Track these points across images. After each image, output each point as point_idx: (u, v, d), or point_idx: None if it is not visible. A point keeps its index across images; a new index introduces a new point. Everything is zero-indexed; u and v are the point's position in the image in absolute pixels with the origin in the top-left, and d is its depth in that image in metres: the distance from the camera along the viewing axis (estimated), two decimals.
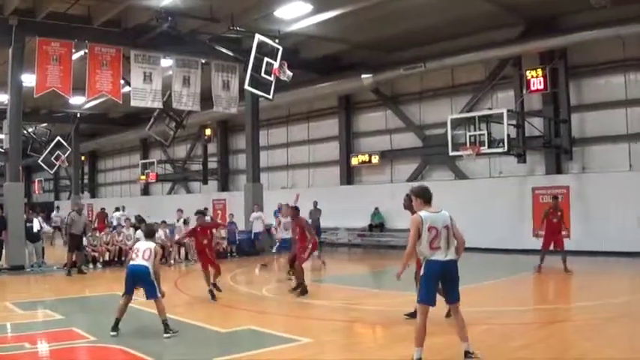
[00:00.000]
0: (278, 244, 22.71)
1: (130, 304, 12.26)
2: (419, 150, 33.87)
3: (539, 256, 21.26)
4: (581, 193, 26.23)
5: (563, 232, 20.90)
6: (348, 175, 37.24)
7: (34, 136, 47.79)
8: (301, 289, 17.32)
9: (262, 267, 23.23)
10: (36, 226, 24.97)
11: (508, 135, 25.29)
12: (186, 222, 28.21)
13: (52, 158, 46.33)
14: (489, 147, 25.60)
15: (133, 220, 31.08)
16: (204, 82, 28.58)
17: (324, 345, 11.45)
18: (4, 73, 26.57)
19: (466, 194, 28.65)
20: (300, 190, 32.38)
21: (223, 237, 28.94)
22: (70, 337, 11.92)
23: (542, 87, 26.62)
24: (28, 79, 25.70)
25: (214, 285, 16.51)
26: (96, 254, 25.65)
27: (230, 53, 27.91)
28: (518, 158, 27.60)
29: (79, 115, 45.53)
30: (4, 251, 24.12)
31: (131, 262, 12.32)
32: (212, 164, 46.58)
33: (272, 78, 23.81)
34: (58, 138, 45.50)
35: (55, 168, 48.77)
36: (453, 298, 9.62)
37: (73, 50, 25.20)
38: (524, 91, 27.39)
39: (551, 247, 20.70)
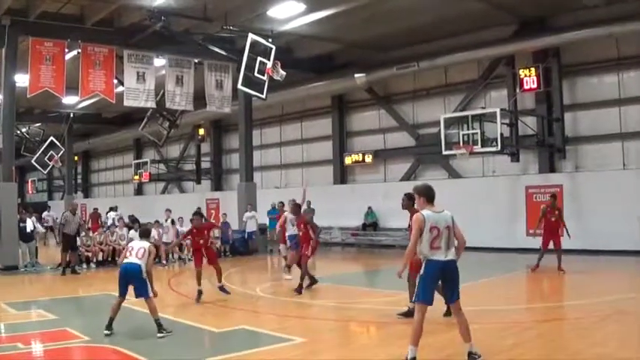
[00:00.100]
0: (288, 241, 22.76)
1: (123, 304, 12.25)
2: (412, 149, 33.88)
3: (532, 255, 21.31)
4: (574, 192, 26.26)
5: (564, 232, 20.81)
6: (342, 175, 37.24)
7: (28, 136, 47.80)
8: (310, 281, 18.05)
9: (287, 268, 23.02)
10: (29, 227, 24.95)
11: (501, 134, 25.30)
12: (174, 222, 28.13)
13: (46, 158, 46.16)
14: (482, 146, 25.61)
15: (126, 219, 31.04)
16: (197, 81, 28.58)
17: (318, 344, 11.45)
18: None
19: (459, 193, 28.61)
20: (296, 188, 32.41)
21: (217, 237, 28.87)
22: (64, 337, 11.91)
23: (535, 86, 26.65)
24: (22, 79, 25.68)
25: (221, 288, 16.42)
26: (89, 254, 25.60)
27: (223, 53, 27.90)
28: (511, 157, 27.62)
29: (72, 115, 45.47)
30: None
31: (124, 261, 12.34)
32: (205, 164, 46.57)
33: (265, 77, 23.87)
34: (52, 138, 45.35)
35: (49, 168, 48.60)
36: (453, 297, 9.60)
37: (66, 50, 25.19)
38: (518, 90, 27.40)
39: (550, 246, 20.68)
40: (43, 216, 39.65)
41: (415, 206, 10.46)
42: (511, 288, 18.98)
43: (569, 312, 14.54)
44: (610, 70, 26.72)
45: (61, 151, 46.35)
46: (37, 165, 46.74)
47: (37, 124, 48.42)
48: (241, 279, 22.75)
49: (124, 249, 22.14)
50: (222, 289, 16.39)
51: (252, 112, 32.88)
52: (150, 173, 46.10)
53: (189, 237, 17.14)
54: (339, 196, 35.11)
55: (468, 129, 25.87)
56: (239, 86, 24.43)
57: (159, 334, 11.66)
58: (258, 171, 36.84)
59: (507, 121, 26.58)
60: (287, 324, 13.41)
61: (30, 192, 69.09)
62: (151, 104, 27.76)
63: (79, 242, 24.73)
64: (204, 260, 16.48)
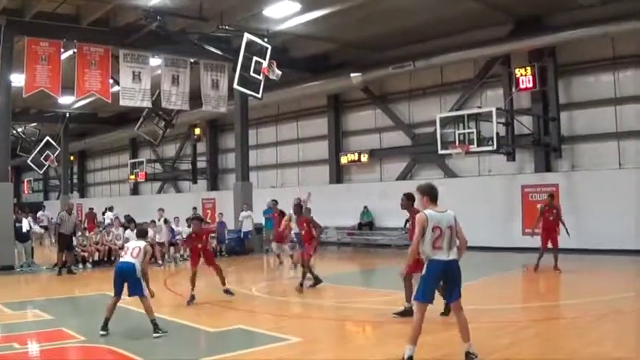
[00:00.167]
0: (295, 240, 22.82)
1: (119, 304, 12.24)
2: (408, 149, 33.90)
3: (528, 254, 21.33)
4: (570, 191, 26.26)
5: (565, 231, 20.77)
6: (338, 174, 37.25)
7: (24, 135, 47.82)
8: (315, 281, 18.14)
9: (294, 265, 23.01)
10: (25, 227, 24.94)
11: (497, 133, 25.33)
12: (167, 221, 28.10)
13: (42, 158, 46.28)
14: (478, 145, 25.61)
15: (122, 219, 31.01)
16: (193, 81, 28.60)
17: (314, 344, 11.45)
18: None
19: (455, 193, 28.54)
20: (292, 188, 32.42)
21: (213, 236, 28.88)
22: (60, 337, 11.89)
23: (531, 85, 26.68)
24: (17, 79, 25.62)
25: (227, 291, 16.31)
26: (85, 254, 25.58)
27: (219, 52, 27.89)
28: (507, 156, 27.61)
29: (68, 115, 45.54)
30: None
31: (119, 260, 12.37)
32: (201, 163, 46.66)
33: (261, 77, 23.83)
34: (48, 138, 45.43)
35: (45, 168, 48.73)
36: (453, 296, 9.58)
37: (62, 50, 25.20)
38: (514, 90, 27.44)
39: (548, 245, 20.65)
40: (37, 216, 39.59)
41: (415, 205, 10.44)
42: (507, 287, 19.01)
43: (565, 311, 14.56)
44: (606, 70, 26.72)
45: (57, 151, 46.46)
46: (32, 165, 46.87)
47: (33, 124, 48.44)
48: (237, 278, 22.71)
49: (120, 249, 22.25)
50: (227, 291, 16.20)
51: (247, 112, 32.84)
52: (146, 173, 46.05)
53: (188, 242, 17.06)
54: (335, 196, 35.10)
55: (464, 128, 25.88)
56: (235, 86, 24.46)
57: (155, 334, 11.65)
58: (254, 170, 36.79)
59: (503, 120, 26.61)
60: (283, 324, 13.39)
61: (26, 192, 69.08)
62: (147, 104, 27.76)
63: (75, 242, 24.70)
64: (201, 261, 16.36)
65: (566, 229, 20.27)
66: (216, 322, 13.30)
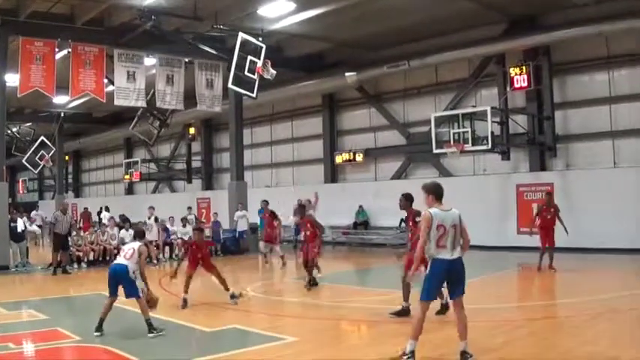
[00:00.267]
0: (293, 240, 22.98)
1: (114, 304, 12.23)
2: (403, 148, 33.92)
3: (523, 253, 21.36)
4: (565, 190, 26.25)
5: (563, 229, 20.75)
6: (333, 173, 37.26)
7: (18, 135, 47.75)
8: (310, 280, 18.21)
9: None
10: (20, 226, 24.92)
11: (492, 132, 25.34)
12: (157, 219, 28.09)
13: (36, 158, 46.13)
14: (473, 144, 25.64)
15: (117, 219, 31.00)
16: (187, 80, 28.56)
17: (309, 343, 11.43)
18: None
19: (450, 192, 28.20)
20: (287, 187, 32.38)
21: (207, 236, 28.87)
22: (55, 337, 11.89)
23: (525, 84, 26.75)
24: (12, 79, 25.62)
25: (232, 295, 16.10)
26: (80, 254, 25.55)
27: (214, 52, 27.87)
28: (502, 155, 27.62)
29: (62, 115, 45.38)
30: None
31: (113, 262, 12.37)
32: (196, 163, 46.63)
33: (256, 76, 23.85)
34: (42, 137, 45.30)
35: (40, 168, 48.57)
36: (456, 293, 9.60)
37: (57, 49, 25.15)
38: (508, 89, 27.49)
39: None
40: (31, 215, 39.53)
41: (420, 204, 10.44)
42: (502, 286, 19.05)
43: (561, 310, 14.59)
44: (600, 69, 26.78)
45: (52, 151, 46.31)
46: (27, 165, 46.71)
47: (28, 124, 48.41)
48: (233, 278, 22.62)
49: (115, 248, 22.22)
50: (233, 296, 15.76)
51: (242, 111, 32.85)
52: (140, 173, 46.10)
53: (187, 252, 16.79)
54: (330, 195, 35.02)
55: (459, 127, 25.90)
56: (229, 85, 24.42)
57: (150, 334, 11.64)
58: (248, 170, 36.79)
59: (498, 119, 26.62)
60: (278, 323, 13.43)
61: (21, 192, 69.01)
62: (142, 103, 27.74)
63: (70, 242, 24.68)
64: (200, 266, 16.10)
65: (565, 228, 20.25)
66: (212, 322, 13.29)
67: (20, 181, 69.22)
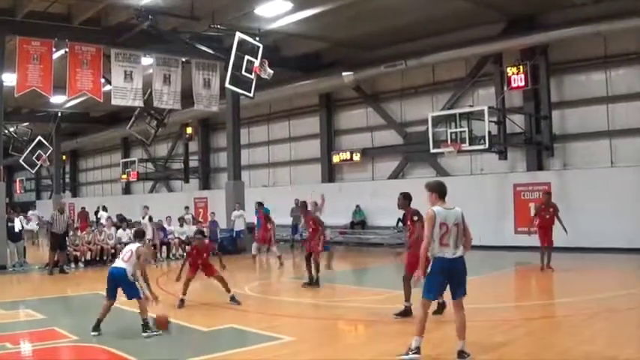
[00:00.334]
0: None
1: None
2: (400, 147, 33.91)
3: (520, 252, 21.35)
4: (562, 190, 26.23)
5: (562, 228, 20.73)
6: (330, 173, 37.26)
7: (16, 135, 47.78)
8: (310, 280, 18.40)
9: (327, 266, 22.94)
10: (17, 226, 24.90)
11: (489, 132, 25.34)
12: (151, 219, 28.05)
13: (34, 158, 46.24)
14: (470, 144, 25.63)
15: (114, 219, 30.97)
16: (184, 80, 28.56)
17: (306, 343, 11.44)
18: None
19: (448, 191, 28.63)
20: (284, 187, 32.33)
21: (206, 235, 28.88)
22: (52, 337, 11.88)
23: (523, 84, 26.75)
24: (9, 79, 25.58)
25: (232, 298, 16.01)
26: (77, 254, 25.52)
27: (211, 51, 27.87)
28: (499, 155, 27.64)
29: (59, 114, 45.46)
30: None
31: (112, 264, 12.36)
32: (193, 162, 46.69)
33: (253, 76, 23.84)
34: (40, 137, 45.39)
35: (37, 167, 48.73)
36: (457, 294, 9.61)
37: (54, 49, 25.13)
38: (505, 88, 27.50)
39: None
40: (28, 215, 39.52)
41: (424, 202, 10.44)
42: (500, 286, 19.04)
43: (558, 310, 14.59)
44: (598, 68, 26.77)
45: (49, 151, 46.43)
46: (25, 164, 46.84)
47: (25, 124, 48.40)
48: (230, 278, 22.69)
49: (112, 248, 22.16)
50: (233, 299, 15.64)
51: (239, 111, 32.79)
52: (138, 172, 46.05)
53: (188, 256, 16.42)
54: (327, 195, 34.89)
55: (456, 127, 25.89)
56: (226, 85, 24.47)
57: (143, 334, 11.63)
58: (245, 169, 36.76)
59: (495, 119, 26.62)
60: (276, 323, 13.39)
61: (18, 191, 69.10)
62: (139, 103, 27.72)
63: (67, 242, 24.66)
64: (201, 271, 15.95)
65: (564, 228, 20.23)
66: (209, 322, 13.27)
67: (17, 180, 69.31)
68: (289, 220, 32.65)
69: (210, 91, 29.36)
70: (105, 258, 25.38)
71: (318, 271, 18.43)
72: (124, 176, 47.42)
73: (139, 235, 13.27)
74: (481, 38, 28.14)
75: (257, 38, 24.57)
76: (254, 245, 25.40)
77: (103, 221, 30.01)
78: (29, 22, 24.77)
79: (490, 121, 25.51)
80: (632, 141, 25.78)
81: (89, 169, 65.01)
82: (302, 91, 35.91)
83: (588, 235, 24.60)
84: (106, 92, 26.82)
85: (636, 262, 21.67)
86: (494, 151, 26.98)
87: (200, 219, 37.19)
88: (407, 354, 9.48)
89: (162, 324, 12.15)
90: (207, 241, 17.99)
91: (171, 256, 27.77)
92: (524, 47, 27.36)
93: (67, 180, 64.76)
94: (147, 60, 27.88)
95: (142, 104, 28.13)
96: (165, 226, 28.50)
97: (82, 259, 25.51)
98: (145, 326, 11.73)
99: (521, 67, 26.73)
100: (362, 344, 11.55)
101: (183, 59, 28.56)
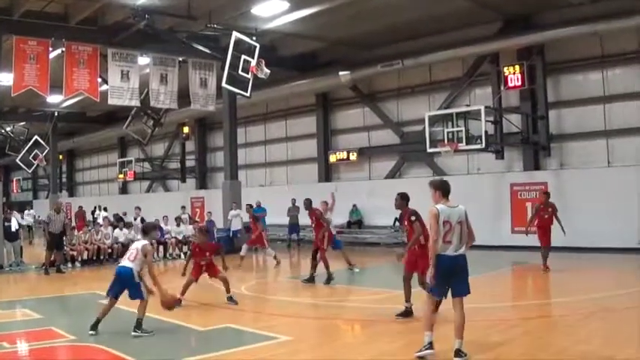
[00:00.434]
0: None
1: None
2: (397, 147, 33.92)
3: (517, 252, 21.34)
4: (559, 190, 26.17)
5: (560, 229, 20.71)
6: (327, 173, 37.24)
7: (12, 135, 47.74)
8: (309, 278, 18.88)
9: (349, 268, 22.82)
10: (14, 226, 24.90)
11: (486, 131, 25.34)
12: (143, 220, 28.02)
13: (30, 157, 46.15)
14: (467, 143, 25.63)
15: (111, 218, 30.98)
16: (181, 79, 28.49)
17: (303, 342, 11.45)
18: None
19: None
20: (281, 186, 32.32)
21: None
22: (49, 337, 11.90)
23: (519, 83, 26.73)
24: (5, 78, 25.58)
25: (230, 298, 15.87)
26: (74, 253, 25.52)
27: (207, 51, 27.83)
28: (496, 155, 27.64)
29: (56, 114, 45.35)
30: None
31: (119, 264, 12.34)
32: (190, 162, 46.64)
33: (249, 75, 23.88)
34: (36, 137, 45.30)
35: (33, 167, 48.66)
36: (459, 291, 9.68)
37: (50, 49, 25.06)
38: (502, 88, 27.49)
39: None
40: (24, 214, 39.52)
41: (428, 200, 10.44)
42: (497, 285, 19.03)
43: (555, 309, 14.63)
44: (594, 68, 26.80)
45: (46, 150, 46.34)
46: (21, 164, 46.78)
47: (22, 123, 48.33)
48: (228, 277, 22.71)
49: (109, 248, 22.14)
50: (230, 299, 15.50)
51: (236, 110, 32.81)
52: (134, 172, 46.12)
53: (191, 255, 16.20)
54: (324, 194, 34.97)
55: (453, 126, 25.89)
56: (223, 84, 24.41)
57: (133, 332, 11.62)
58: (242, 169, 36.81)
59: (492, 118, 26.60)
60: (273, 322, 13.40)
61: (15, 191, 68.99)
62: (136, 103, 27.65)
63: (64, 241, 24.64)
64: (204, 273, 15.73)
65: (562, 228, 20.22)
66: (206, 321, 13.29)
67: (14, 180, 69.21)
68: (286, 220, 32.67)
69: (207, 91, 29.30)
70: (102, 258, 25.43)
71: (327, 268, 18.74)
72: (121, 176, 47.50)
73: (146, 231, 13.00)
74: (478, 38, 28.15)
75: (254, 38, 24.57)
76: (244, 247, 25.44)
77: (99, 221, 30.02)
78: (26, 22, 24.72)
79: (487, 121, 25.53)
80: (629, 141, 25.81)
81: (86, 168, 64.94)
82: (299, 90, 35.90)
83: (585, 235, 24.59)
84: (102, 92, 26.75)
85: (632, 262, 21.73)
86: (491, 150, 26.98)
87: (197, 219, 37.18)
88: (421, 350, 9.66)
89: (169, 304, 12.19)
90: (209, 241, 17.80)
91: (167, 255, 27.77)
92: (520, 47, 27.37)
93: (64, 179, 64.72)
94: (143, 59, 27.80)
95: (138, 104, 28.05)
96: (162, 225, 28.49)
97: (79, 259, 25.54)
98: (138, 326, 11.72)
99: (517, 66, 26.72)
100: (360, 344, 11.54)
101: (180, 59, 28.49)
